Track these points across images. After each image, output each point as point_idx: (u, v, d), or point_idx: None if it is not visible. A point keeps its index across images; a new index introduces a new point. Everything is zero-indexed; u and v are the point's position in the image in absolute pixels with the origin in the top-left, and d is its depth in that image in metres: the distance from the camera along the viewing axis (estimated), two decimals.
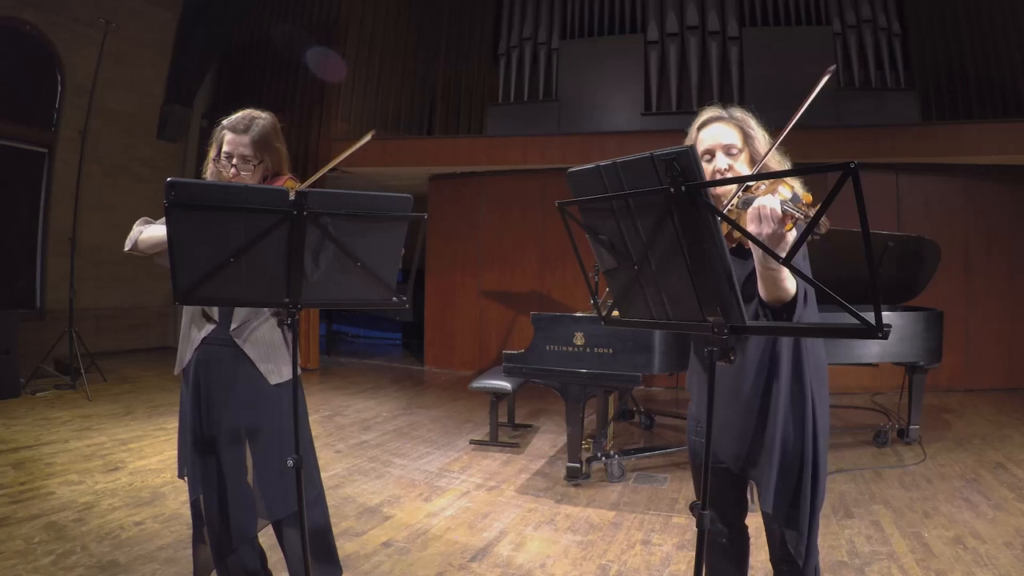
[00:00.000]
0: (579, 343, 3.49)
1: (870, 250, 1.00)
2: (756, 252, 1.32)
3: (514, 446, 4.40)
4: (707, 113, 1.61)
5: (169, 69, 8.32)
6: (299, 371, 1.96)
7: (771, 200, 1.24)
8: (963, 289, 6.29)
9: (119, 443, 4.16)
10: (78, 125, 6.62)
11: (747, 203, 1.30)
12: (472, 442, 4.48)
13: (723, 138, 1.55)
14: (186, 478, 1.96)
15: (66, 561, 2.47)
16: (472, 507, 3.27)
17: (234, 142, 1.86)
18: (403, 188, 8.02)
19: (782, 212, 1.22)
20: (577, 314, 3.67)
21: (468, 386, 4.52)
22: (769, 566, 1.68)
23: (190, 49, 8.28)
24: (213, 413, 1.86)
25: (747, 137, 1.55)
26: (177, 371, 1.95)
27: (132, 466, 3.71)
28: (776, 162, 1.55)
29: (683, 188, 1.08)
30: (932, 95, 6.89)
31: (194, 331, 1.90)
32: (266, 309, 1.87)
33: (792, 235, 1.25)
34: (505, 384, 4.28)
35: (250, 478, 1.88)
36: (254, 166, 1.88)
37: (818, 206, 1.17)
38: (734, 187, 1.45)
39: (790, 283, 1.34)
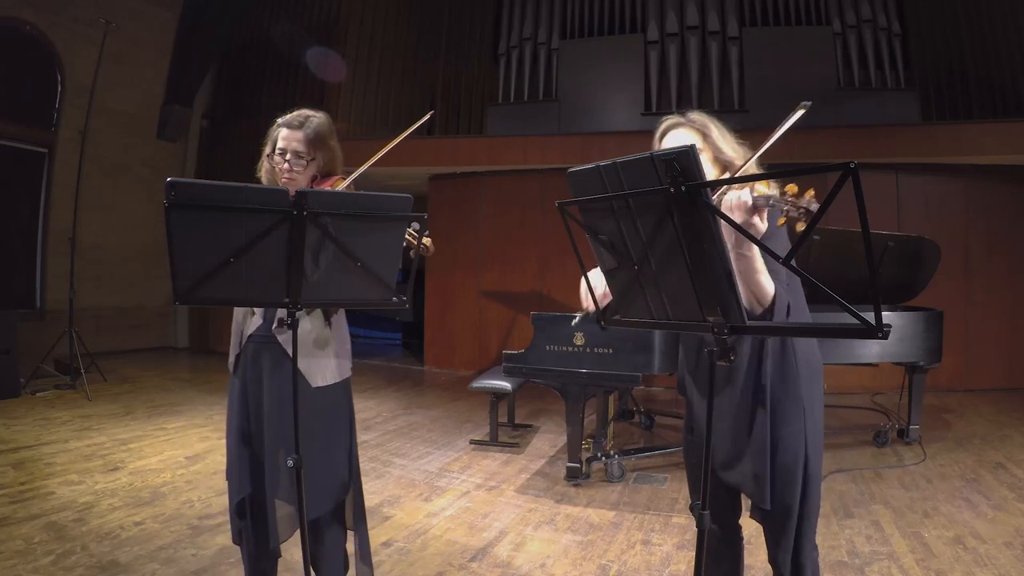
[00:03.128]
0: (579, 343, 3.49)
1: (870, 250, 1.00)
2: (730, 240, 1.33)
3: (514, 446, 4.40)
4: (667, 122, 1.67)
5: (169, 69, 8.33)
6: (349, 374, 1.93)
7: (743, 193, 1.29)
8: (963, 289, 6.29)
9: (119, 443, 4.16)
10: (78, 125, 6.62)
11: (718, 202, 1.34)
12: (472, 442, 4.48)
13: (683, 141, 1.56)
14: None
15: (66, 561, 2.47)
16: (472, 507, 3.27)
17: (288, 138, 1.86)
18: (403, 188, 8.00)
19: (753, 202, 1.27)
20: (577, 314, 3.66)
21: (468, 386, 4.52)
22: (769, 567, 1.68)
23: (190, 49, 8.28)
24: (256, 411, 1.82)
25: (705, 137, 1.60)
26: (230, 366, 1.91)
27: (132, 466, 3.71)
28: (746, 162, 1.58)
29: (683, 188, 1.08)
30: (932, 95, 6.89)
31: (243, 327, 1.87)
32: (315, 310, 1.84)
33: (763, 225, 1.30)
34: (505, 384, 4.28)
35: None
36: (306, 162, 1.87)
37: (807, 194, 1.21)
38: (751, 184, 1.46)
39: (765, 278, 1.38)
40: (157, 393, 5.74)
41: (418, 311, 8.18)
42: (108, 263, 7.87)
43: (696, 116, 1.64)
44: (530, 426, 4.95)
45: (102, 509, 3.02)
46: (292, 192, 1.45)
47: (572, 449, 3.62)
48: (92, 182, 7.27)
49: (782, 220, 1.24)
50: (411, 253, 1.85)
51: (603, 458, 3.74)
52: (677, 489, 3.54)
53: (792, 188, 1.23)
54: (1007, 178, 6.25)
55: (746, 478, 1.55)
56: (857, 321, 1.02)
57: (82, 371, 5.56)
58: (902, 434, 4.40)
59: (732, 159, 1.58)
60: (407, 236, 1.83)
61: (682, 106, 7.16)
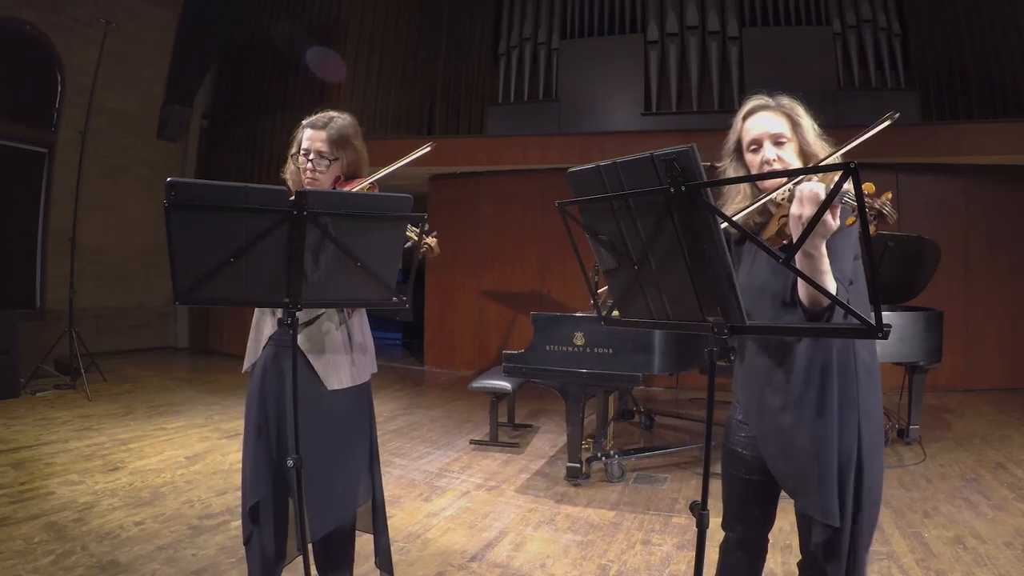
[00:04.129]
0: (579, 343, 3.49)
1: (870, 250, 1.00)
2: (796, 234, 1.26)
3: (514, 446, 4.40)
4: (753, 102, 1.54)
5: (169, 69, 8.33)
6: (368, 378, 1.90)
7: (816, 184, 1.22)
8: (963, 289, 6.29)
9: (119, 443, 4.16)
10: (78, 125, 6.62)
11: (795, 194, 1.28)
12: (472, 442, 4.48)
13: (771, 127, 1.49)
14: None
15: (66, 561, 2.47)
16: (472, 507, 3.27)
17: (312, 138, 1.87)
18: (403, 188, 8.00)
19: (825, 195, 1.17)
20: (577, 314, 3.67)
21: (468, 386, 4.52)
22: (784, 567, 1.64)
23: (190, 49, 8.28)
24: (274, 414, 1.80)
25: (795, 126, 1.49)
26: (245, 369, 1.88)
27: (132, 466, 3.71)
28: (828, 156, 1.49)
29: (683, 188, 1.08)
30: (932, 95, 6.90)
31: (261, 329, 1.85)
32: (331, 310, 1.82)
33: (834, 223, 1.21)
34: (505, 384, 4.28)
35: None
36: (330, 162, 1.88)
37: (885, 196, 1.16)
38: (783, 180, 1.40)
39: (830, 279, 1.28)
40: (157, 393, 5.74)
41: (418, 311, 8.18)
42: (108, 263, 7.87)
43: (786, 100, 1.53)
44: (530, 426, 4.95)
45: (102, 509, 3.02)
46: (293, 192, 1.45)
47: (572, 449, 3.62)
48: (92, 182, 7.27)
49: (852, 219, 1.19)
50: (415, 253, 1.86)
51: (603, 458, 3.74)
52: (677, 489, 3.54)
53: (870, 187, 1.16)
54: (1007, 178, 6.25)
55: (814, 500, 1.42)
56: (857, 321, 1.02)
57: (82, 371, 5.56)
58: (902, 434, 4.40)
59: (817, 153, 1.48)
60: (412, 235, 1.84)
61: (682, 106, 7.18)
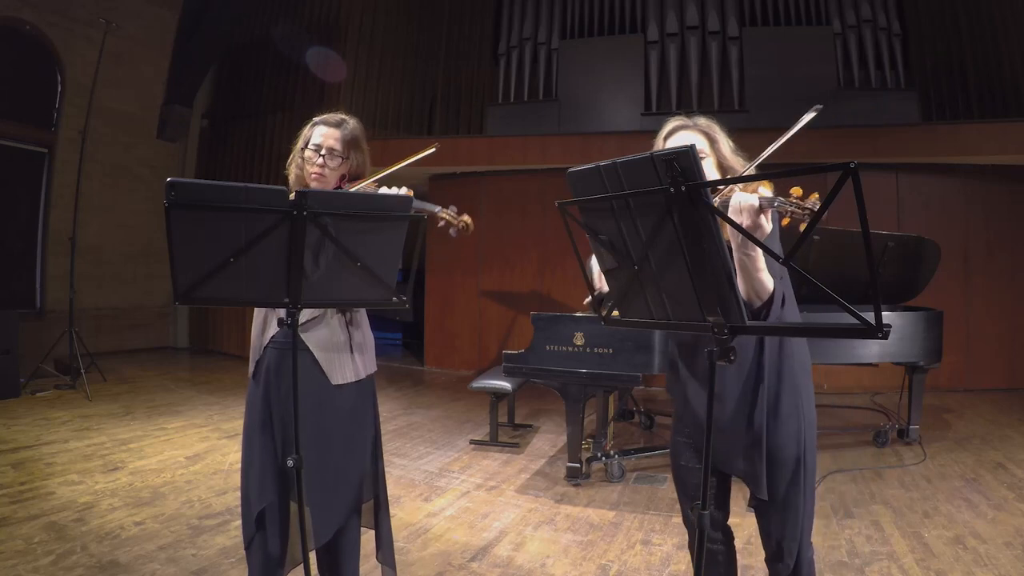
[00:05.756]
0: (579, 343, 3.49)
1: (870, 250, 1.00)
2: (734, 240, 1.37)
3: (514, 446, 4.40)
4: (673, 123, 1.66)
5: (169, 69, 8.33)
6: (371, 373, 1.93)
7: (747, 196, 1.31)
8: (963, 289, 6.29)
9: (119, 443, 4.16)
10: (78, 125, 6.62)
11: (724, 205, 1.36)
12: (472, 442, 4.48)
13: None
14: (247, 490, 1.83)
15: (66, 561, 2.47)
16: (472, 507, 3.27)
17: (327, 135, 1.89)
18: None
19: (759, 204, 1.29)
20: (577, 314, 3.67)
21: (468, 386, 4.52)
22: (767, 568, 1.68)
23: (190, 49, 8.28)
24: (280, 415, 1.80)
25: (712, 142, 1.60)
26: (250, 373, 1.89)
27: (132, 466, 3.71)
28: (748, 167, 1.60)
29: (683, 188, 1.08)
30: (932, 95, 6.89)
31: (264, 332, 1.86)
32: (333, 309, 1.84)
33: (768, 226, 1.31)
34: (505, 384, 4.28)
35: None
36: (340, 160, 1.90)
37: (812, 196, 1.23)
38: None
39: (765, 275, 1.40)
40: (157, 393, 5.74)
41: (418, 311, 8.18)
42: (108, 263, 7.87)
43: (703, 120, 1.64)
44: (530, 426, 4.95)
45: (102, 509, 3.02)
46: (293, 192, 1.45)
47: (572, 449, 3.62)
48: (92, 182, 7.28)
49: (786, 220, 1.27)
50: (451, 231, 1.99)
51: (603, 458, 3.74)
52: None
53: (797, 191, 1.25)
54: (1007, 178, 6.25)
55: (742, 467, 1.57)
56: (857, 321, 1.02)
57: (82, 371, 5.56)
58: (902, 434, 4.40)
59: (734, 167, 1.59)
60: (446, 216, 1.96)
61: (682, 106, 7.17)
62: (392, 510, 3.17)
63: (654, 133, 1.71)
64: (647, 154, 1.11)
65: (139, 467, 3.70)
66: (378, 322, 11.08)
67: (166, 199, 1.36)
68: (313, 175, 1.87)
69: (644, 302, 1.29)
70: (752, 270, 1.39)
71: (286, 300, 1.52)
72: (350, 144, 1.91)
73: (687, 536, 1.78)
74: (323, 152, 1.87)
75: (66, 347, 5.84)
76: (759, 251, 1.37)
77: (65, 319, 5.97)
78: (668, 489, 3.54)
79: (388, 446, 4.37)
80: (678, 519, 3.08)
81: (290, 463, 1.57)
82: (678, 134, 1.63)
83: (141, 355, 7.95)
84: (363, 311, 1.94)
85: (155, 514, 2.99)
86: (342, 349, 1.84)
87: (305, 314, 1.80)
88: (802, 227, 1.23)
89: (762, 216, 1.30)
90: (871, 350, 4.00)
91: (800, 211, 1.23)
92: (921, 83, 6.91)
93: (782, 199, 1.26)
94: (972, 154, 5.90)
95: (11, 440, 4.11)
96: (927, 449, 4.20)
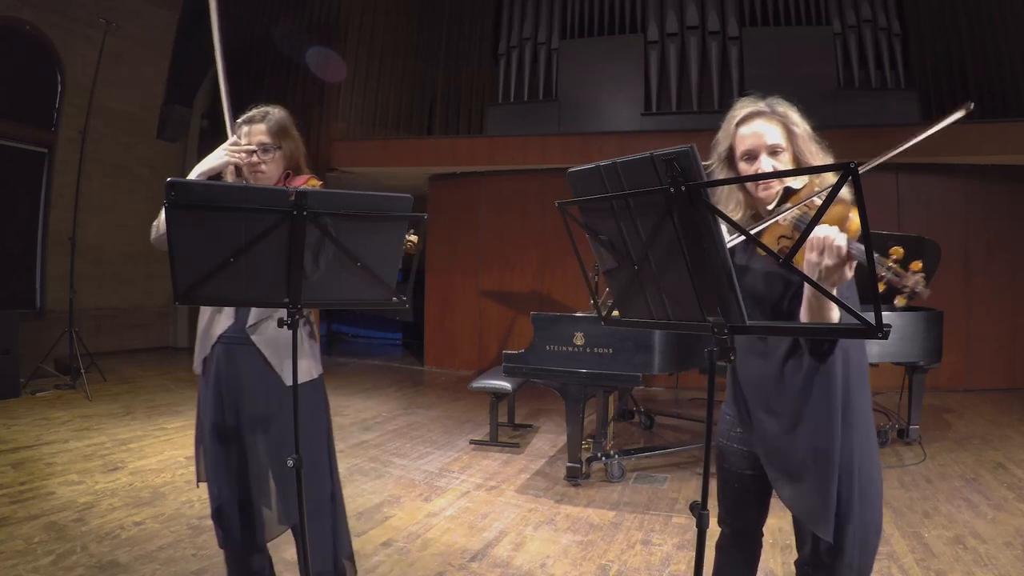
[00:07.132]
0: (579, 343, 3.49)
1: (870, 250, 1.00)
2: (808, 270, 1.21)
3: (514, 446, 4.40)
4: (747, 107, 1.45)
5: (169, 69, 8.32)
6: (320, 371, 1.96)
7: (838, 234, 1.15)
8: (963, 289, 6.29)
9: (119, 443, 4.16)
10: (78, 125, 6.62)
11: (801, 222, 1.23)
12: (472, 442, 4.48)
13: (767, 137, 1.42)
14: (205, 484, 1.90)
15: (66, 561, 2.47)
16: (472, 507, 3.27)
17: (252, 132, 1.91)
18: (403, 188, 8.01)
19: (848, 251, 1.14)
20: (577, 314, 3.67)
21: (468, 386, 4.52)
22: (784, 568, 1.65)
23: (190, 49, 8.28)
24: (232, 413, 1.82)
25: (791, 135, 1.42)
26: (196, 369, 1.90)
27: (132, 466, 3.71)
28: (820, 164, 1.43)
29: (683, 188, 1.08)
30: (932, 95, 6.89)
31: (211, 328, 1.86)
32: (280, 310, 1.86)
33: (849, 275, 1.18)
34: (505, 384, 4.28)
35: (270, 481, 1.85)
36: (275, 152, 1.91)
37: (914, 266, 1.11)
38: (782, 197, 1.34)
39: (834, 314, 1.26)
40: (157, 393, 5.74)
41: (418, 311, 8.19)
42: (108, 263, 7.87)
43: (781, 107, 1.43)
44: (530, 426, 4.95)
45: (102, 509, 3.02)
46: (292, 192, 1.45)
47: (572, 449, 3.62)
48: (92, 182, 7.27)
49: (882, 286, 1.11)
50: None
51: (603, 458, 3.74)
52: (677, 489, 3.54)
53: (898, 251, 1.11)
54: (1007, 178, 6.25)
55: (808, 504, 1.39)
56: (857, 321, 1.02)
57: (82, 371, 5.56)
58: (902, 434, 4.40)
59: (813, 162, 1.40)
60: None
61: (682, 106, 7.18)
62: (392, 510, 3.19)
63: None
64: (647, 154, 1.11)
65: (139, 467, 3.70)
66: (378, 322, 11.11)
67: (166, 199, 1.35)
68: (256, 177, 1.89)
69: (644, 302, 1.29)
70: (823, 312, 1.25)
71: (286, 300, 1.52)
72: (278, 134, 1.92)
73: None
74: (255, 149, 1.88)
75: (66, 347, 5.84)
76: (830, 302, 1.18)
77: (65, 319, 5.97)
78: (668, 489, 3.54)
79: (388, 446, 4.38)
80: (678, 519, 3.08)
81: (290, 463, 1.57)
82: (754, 123, 1.43)
83: (141, 355, 7.95)
84: (316, 314, 1.96)
85: (155, 514, 2.99)
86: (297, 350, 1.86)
87: (254, 314, 1.82)
88: (899, 300, 1.09)
89: (848, 266, 1.14)
90: (871, 350, 3.97)
91: (900, 284, 1.09)
92: (921, 83, 6.91)
93: (881, 261, 1.09)
94: (972, 154, 5.90)
95: (11, 440, 4.10)
96: (927, 449, 4.20)
